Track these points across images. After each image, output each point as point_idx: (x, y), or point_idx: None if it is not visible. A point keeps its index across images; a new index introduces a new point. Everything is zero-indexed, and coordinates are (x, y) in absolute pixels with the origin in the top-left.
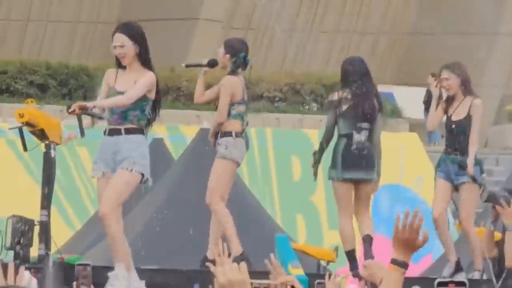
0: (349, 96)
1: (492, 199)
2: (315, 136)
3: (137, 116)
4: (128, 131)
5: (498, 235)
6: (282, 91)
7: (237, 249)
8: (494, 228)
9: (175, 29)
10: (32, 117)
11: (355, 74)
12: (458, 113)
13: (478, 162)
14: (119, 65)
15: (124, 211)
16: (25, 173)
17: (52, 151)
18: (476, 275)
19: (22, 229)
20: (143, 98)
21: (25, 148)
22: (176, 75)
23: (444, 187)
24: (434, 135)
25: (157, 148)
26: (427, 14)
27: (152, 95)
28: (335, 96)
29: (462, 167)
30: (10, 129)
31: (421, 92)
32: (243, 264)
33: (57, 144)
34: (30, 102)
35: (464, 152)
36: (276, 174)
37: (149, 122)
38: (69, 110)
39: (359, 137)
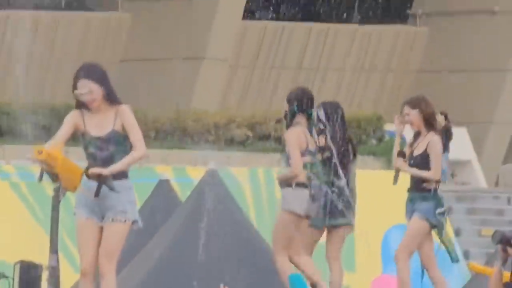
0: (329, 143)
1: (502, 240)
2: None
3: (120, 158)
4: (114, 177)
5: (507, 276)
6: None
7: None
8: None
9: (180, 68)
10: (50, 159)
11: (333, 120)
12: (418, 149)
13: (434, 198)
14: (81, 105)
15: (130, 255)
16: (30, 216)
17: (61, 195)
18: None
19: (29, 275)
20: (124, 140)
21: (40, 179)
22: (181, 115)
23: None
24: (443, 174)
25: (164, 190)
26: (435, 51)
27: None
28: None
29: (412, 201)
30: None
31: None
32: None
33: (68, 190)
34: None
35: (418, 188)
36: None
37: None
38: (87, 174)
39: (340, 183)
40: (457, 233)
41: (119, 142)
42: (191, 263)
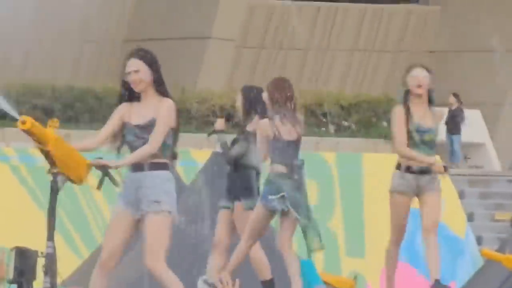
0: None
1: None
2: (332, 159)
3: (159, 150)
4: (152, 167)
5: None
6: None
7: None
8: None
9: (186, 48)
10: (36, 130)
11: (264, 104)
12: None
13: (270, 182)
14: (130, 98)
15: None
16: (30, 200)
17: (60, 182)
18: None
19: (25, 262)
20: None
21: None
22: (186, 97)
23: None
24: (455, 156)
25: None
26: (448, 30)
27: (173, 125)
28: (251, 127)
29: None
30: None
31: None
32: None
33: (72, 181)
34: (53, 121)
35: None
36: None
37: (173, 153)
38: (92, 163)
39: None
40: (470, 218)
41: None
42: (196, 246)
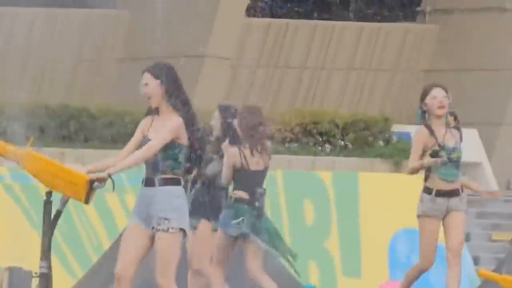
0: None
1: None
2: (328, 179)
3: (170, 166)
4: (162, 182)
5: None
6: (293, 131)
7: None
8: None
9: (181, 67)
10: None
11: (235, 131)
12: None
13: (231, 207)
14: (156, 111)
15: None
16: (24, 219)
17: (60, 204)
18: None
19: (18, 282)
20: (173, 147)
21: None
22: None
23: None
24: None
25: None
26: (445, 49)
27: (183, 141)
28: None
29: None
30: None
31: None
32: None
33: (77, 200)
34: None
35: None
36: (288, 218)
37: (188, 171)
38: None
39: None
40: (467, 237)
41: (167, 148)
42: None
